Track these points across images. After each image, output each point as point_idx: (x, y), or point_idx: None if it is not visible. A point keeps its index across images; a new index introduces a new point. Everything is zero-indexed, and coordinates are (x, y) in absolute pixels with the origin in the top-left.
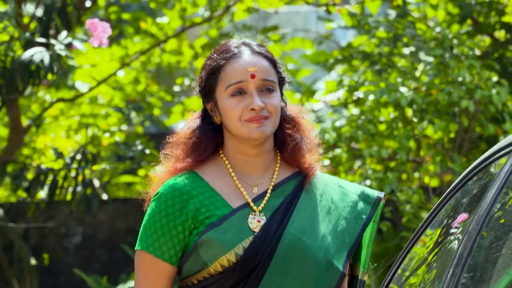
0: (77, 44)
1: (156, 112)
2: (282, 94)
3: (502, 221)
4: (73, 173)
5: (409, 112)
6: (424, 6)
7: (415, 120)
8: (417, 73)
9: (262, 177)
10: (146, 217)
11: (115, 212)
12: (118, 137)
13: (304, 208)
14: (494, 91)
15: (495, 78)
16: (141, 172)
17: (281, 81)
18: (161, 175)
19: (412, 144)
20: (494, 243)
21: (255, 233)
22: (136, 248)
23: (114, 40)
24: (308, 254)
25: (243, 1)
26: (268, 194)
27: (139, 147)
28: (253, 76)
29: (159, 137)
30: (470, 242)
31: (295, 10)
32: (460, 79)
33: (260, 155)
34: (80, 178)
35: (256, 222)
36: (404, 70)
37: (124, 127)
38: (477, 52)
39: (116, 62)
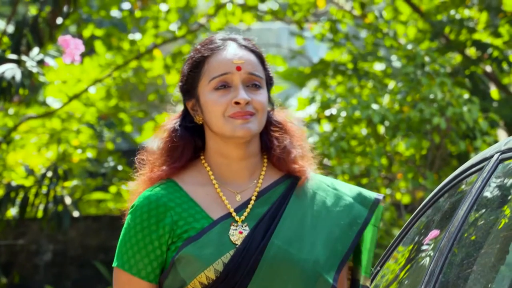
0: (48, 60)
1: (128, 128)
2: (269, 96)
3: (473, 238)
4: (44, 190)
5: (381, 129)
6: (395, 23)
7: (387, 137)
8: (390, 86)
9: (247, 183)
10: (122, 232)
11: (86, 229)
12: (90, 153)
13: (292, 215)
14: (465, 108)
15: (466, 96)
16: (113, 189)
17: (269, 81)
18: (137, 185)
19: (384, 161)
20: (465, 260)
21: (237, 246)
22: (113, 265)
23: (85, 55)
24: (295, 267)
25: (216, 17)
26: (252, 202)
27: (111, 164)
28: (238, 69)
29: (130, 153)
30: (441, 259)
31: (267, 27)
32: (431, 96)
33: (245, 158)
34: (51, 195)
35: (238, 234)
36: (376, 86)
37: (96, 143)
38: (448, 69)
39: (88, 78)
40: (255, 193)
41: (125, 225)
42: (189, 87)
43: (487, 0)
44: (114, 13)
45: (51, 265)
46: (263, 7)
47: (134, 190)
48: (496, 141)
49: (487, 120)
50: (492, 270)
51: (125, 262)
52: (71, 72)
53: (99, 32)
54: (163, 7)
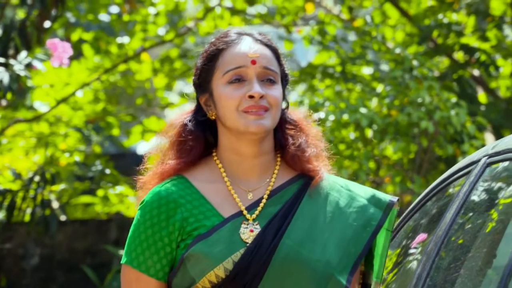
0: (36, 64)
1: (115, 132)
2: (284, 93)
3: (461, 241)
4: (31, 194)
5: (369, 132)
6: (383, 27)
7: (375, 140)
8: (378, 89)
9: (259, 181)
10: (131, 228)
11: (73, 233)
12: (78, 157)
13: (304, 215)
14: (453, 112)
15: (454, 99)
16: (100, 192)
17: (284, 78)
18: (147, 180)
19: (372, 164)
20: (452, 263)
21: (247, 245)
22: (121, 262)
23: (73, 59)
24: (306, 268)
25: (204, 21)
26: (264, 200)
27: (99, 168)
28: (253, 62)
29: (118, 157)
30: (429, 263)
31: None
32: (419, 100)
33: (258, 155)
34: (38, 199)
35: (248, 232)
36: (364, 89)
37: (83, 147)
38: (436, 73)
39: (75, 82)
40: (267, 192)
41: (134, 221)
42: (203, 81)
43: (475, 4)
44: (102, 16)
45: (38, 269)
46: (251, 10)
47: (144, 186)
48: (483, 145)
49: (474, 124)
50: (479, 274)
51: (133, 259)
52: (58, 76)
53: (87, 36)
54: (152, 10)
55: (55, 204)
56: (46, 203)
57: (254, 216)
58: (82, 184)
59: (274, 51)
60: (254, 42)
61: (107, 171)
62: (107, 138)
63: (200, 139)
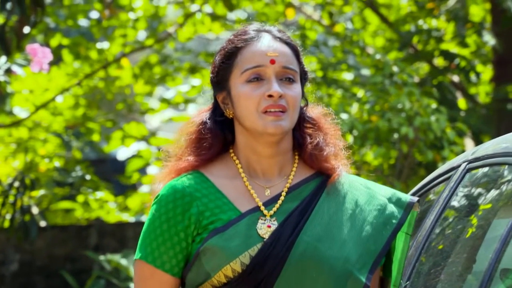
0: (16, 69)
1: (96, 138)
2: (303, 91)
3: (441, 247)
4: (11, 200)
5: (349, 138)
6: (363, 33)
7: (355, 146)
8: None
9: (277, 178)
10: (146, 223)
11: (53, 239)
12: (58, 163)
13: (322, 212)
14: (433, 118)
15: (434, 105)
16: (80, 198)
17: (303, 76)
18: (162, 176)
19: (352, 170)
20: (432, 268)
21: (265, 240)
22: (135, 257)
23: (53, 65)
24: (324, 264)
25: (184, 26)
26: (282, 197)
27: (79, 173)
28: (272, 62)
29: (98, 163)
30: (409, 268)
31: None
32: (400, 105)
33: (276, 155)
34: (18, 204)
35: (266, 227)
36: (345, 95)
37: (63, 152)
38: (416, 79)
39: (55, 87)
40: (286, 189)
41: (149, 216)
42: (220, 79)
43: (455, 10)
44: (82, 22)
45: (18, 275)
46: (231, 16)
47: (159, 181)
48: (463, 151)
49: (454, 129)
50: (459, 279)
51: (148, 254)
52: (38, 81)
53: (66, 41)
54: (132, 15)
55: (35, 210)
56: (25, 209)
57: (272, 212)
58: (62, 189)
59: (294, 48)
60: (273, 40)
61: (87, 177)
62: (87, 144)
63: (219, 137)
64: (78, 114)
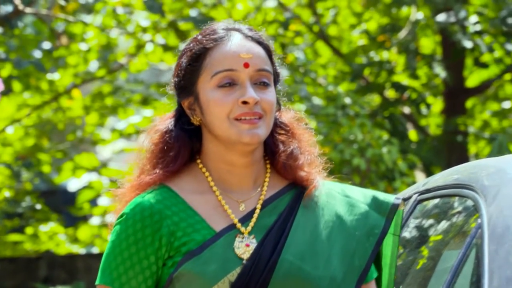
0: None
1: (46, 169)
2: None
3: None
4: None
5: None
6: (314, 64)
7: None
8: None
9: (250, 191)
10: (109, 245)
11: (2, 271)
12: (8, 193)
13: (302, 227)
14: (384, 149)
15: (385, 137)
16: (29, 230)
17: (276, 77)
18: (124, 192)
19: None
20: None
21: (244, 261)
22: (97, 282)
23: (3, 95)
24: (310, 285)
25: (136, 57)
26: (257, 211)
27: (29, 204)
28: (246, 65)
29: (48, 194)
30: None
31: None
32: (352, 137)
33: (250, 165)
34: None
35: (244, 247)
36: None
37: (13, 184)
38: (368, 110)
39: (5, 118)
40: (260, 201)
41: (113, 237)
42: (187, 83)
43: (405, 42)
44: (33, 52)
45: None
46: (183, 47)
47: (121, 198)
48: (414, 182)
49: (405, 161)
50: None
51: (115, 279)
52: None
53: (17, 72)
54: (83, 46)
55: None
56: None
57: (249, 228)
58: (11, 221)
59: (266, 48)
60: (244, 39)
61: (38, 206)
62: (38, 175)
63: (186, 146)
64: (28, 145)
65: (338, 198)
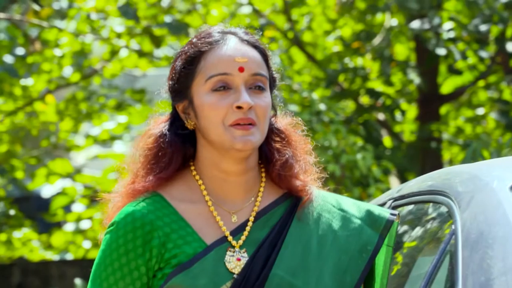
0: None
1: (19, 175)
2: (272, 100)
3: None
4: None
5: None
6: (289, 70)
7: None
8: None
9: (243, 201)
10: (99, 254)
11: None
12: None
13: (294, 242)
14: (359, 155)
15: (360, 143)
16: (2, 236)
17: (272, 82)
18: (116, 199)
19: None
20: None
21: (234, 276)
22: None
23: None
24: None
25: (110, 63)
26: (250, 223)
27: (2, 210)
28: (241, 70)
29: (22, 200)
30: None
31: (163, 73)
32: (326, 143)
33: (244, 173)
34: None
35: (235, 261)
36: None
37: None
38: (342, 117)
39: None
40: (253, 214)
41: (103, 246)
42: (181, 86)
43: (380, 49)
44: (6, 58)
45: None
46: (158, 53)
47: (113, 205)
48: (388, 188)
49: (380, 167)
50: None
51: None
52: None
53: None
54: (57, 52)
55: None
56: None
57: (241, 241)
58: None
59: (263, 52)
60: (240, 43)
61: (12, 211)
62: (11, 181)
63: (180, 151)
64: (1, 151)
65: (332, 211)
